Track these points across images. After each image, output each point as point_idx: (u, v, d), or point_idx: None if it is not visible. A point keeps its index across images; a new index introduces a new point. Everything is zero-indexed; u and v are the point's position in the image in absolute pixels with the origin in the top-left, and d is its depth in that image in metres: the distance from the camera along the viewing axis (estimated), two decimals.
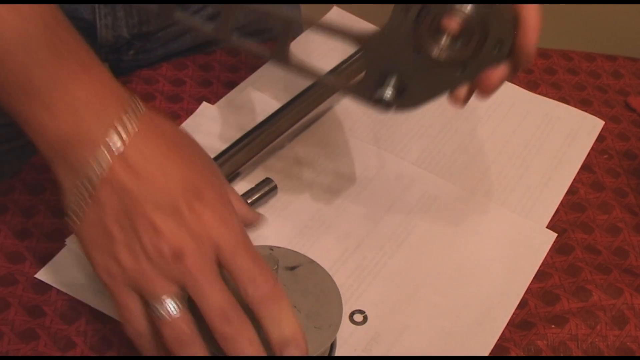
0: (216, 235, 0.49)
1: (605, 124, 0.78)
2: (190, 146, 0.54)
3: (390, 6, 0.52)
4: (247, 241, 0.50)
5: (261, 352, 0.48)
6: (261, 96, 0.75)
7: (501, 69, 0.54)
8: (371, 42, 0.53)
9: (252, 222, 0.60)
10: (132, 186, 0.48)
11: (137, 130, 0.49)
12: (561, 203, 0.70)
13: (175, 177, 0.50)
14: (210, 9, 0.82)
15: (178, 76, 0.78)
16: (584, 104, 0.80)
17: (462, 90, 0.55)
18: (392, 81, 0.54)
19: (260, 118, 0.71)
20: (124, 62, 0.82)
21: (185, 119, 0.73)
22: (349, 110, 0.75)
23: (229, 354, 0.48)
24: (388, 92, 0.54)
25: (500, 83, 0.55)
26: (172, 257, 0.48)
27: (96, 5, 0.75)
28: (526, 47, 0.53)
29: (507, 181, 0.71)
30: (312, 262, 0.57)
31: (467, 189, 0.70)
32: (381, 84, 0.54)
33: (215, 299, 0.48)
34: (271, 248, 0.57)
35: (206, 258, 0.48)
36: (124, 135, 0.49)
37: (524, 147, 0.75)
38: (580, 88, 0.82)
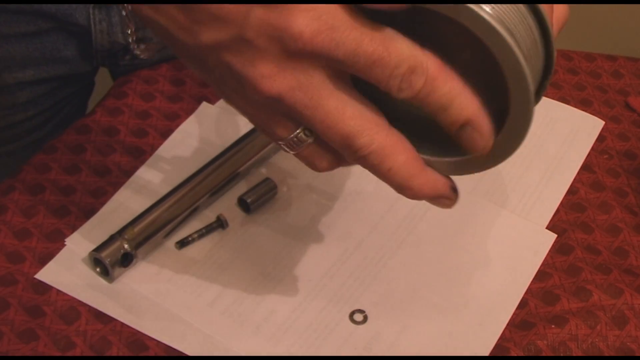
0: None
1: (605, 124, 0.78)
2: None
3: None
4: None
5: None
6: None
7: None
8: None
9: None
10: None
11: None
12: (561, 203, 0.70)
13: None
14: None
15: (178, 76, 0.78)
16: (584, 104, 0.80)
17: None
18: None
19: None
20: (121, 66, 0.82)
21: (185, 119, 0.73)
22: None
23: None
24: None
25: None
26: None
27: (91, 11, 0.75)
28: None
29: (507, 181, 0.71)
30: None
31: (467, 189, 0.70)
32: None
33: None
34: None
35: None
36: None
37: (524, 147, 0.74)
38: (580, 88, 0.82)
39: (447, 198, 0.49)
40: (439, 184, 0.48)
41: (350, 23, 0.42)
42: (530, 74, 0.43)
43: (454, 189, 0.50)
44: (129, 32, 0.77)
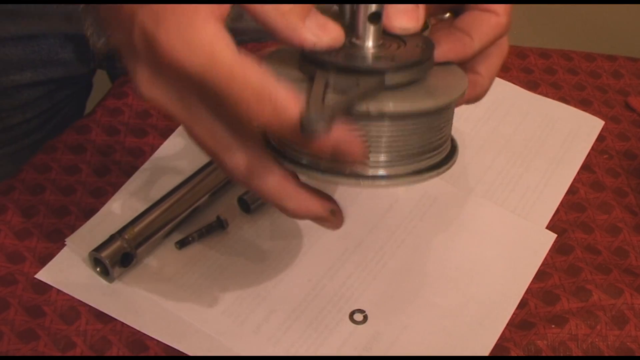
0: None
1: (605, 124, 0.78)
2: None
3: None
4: None
5: None
6: None
7: None
8: None
9: None
10: None
11: None
12: (561, 203, 0.70)
13: None
14: None
15: None
16: (584, 104, 0.80)
17: None
18: None
19: None
20: (118, 68, 0.82)
21: None
22: None
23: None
24: None
25: None
26: None
27: None
28: None
29: (507, 181, 0.71)
30: None
31: (467, 190, 0.70)
32: None
33: None
34: None
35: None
36: None
37: (524, 147, 0.75)
38: (580, 88, 0.82)
39: (326, 220, 0.50)
40: (314, 206, 0.49)
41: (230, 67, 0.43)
42: None
43: (334, 212, 0.50)
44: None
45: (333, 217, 0.50)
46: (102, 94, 0.77)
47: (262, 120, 0.44)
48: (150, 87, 0.46)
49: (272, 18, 0.44)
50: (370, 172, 0.46)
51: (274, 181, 0.48)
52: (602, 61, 0.85)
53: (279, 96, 0.43)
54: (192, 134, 0.47)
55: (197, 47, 0.43)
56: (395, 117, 0.45)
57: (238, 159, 0.47)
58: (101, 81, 0.91)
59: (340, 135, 0.43)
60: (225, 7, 0.44)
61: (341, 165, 0.46)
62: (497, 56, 0.52)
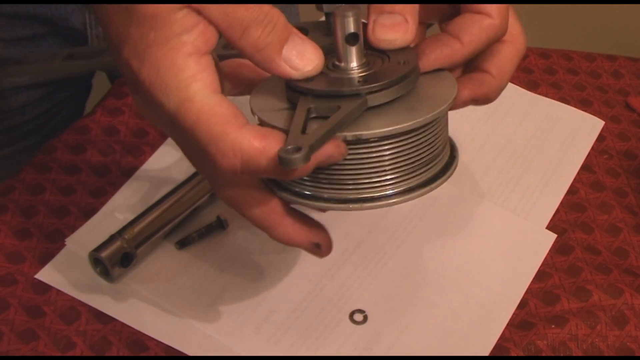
0: None
1: (605, 124, 0.78)
2: None
3: None
4: None
5: None
6: None
7: None
8: None
9: None
10: None
11: None
12: (561, 203, 0.70)
13: None
14: None
15: None
16: (584, 104, 0.80)
17: None
18: None
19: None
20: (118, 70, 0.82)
21: None
22: None
23: None
24: None
25: None
26: None
27: (87, 15, 0.75)
28: None
29: (507, 181, 0.71)
30: None
31: (467, 190, 0.70)
32: None
33: None
34: None
35: None
36: None
37: (524, 147, 0.74)
38: (580, 88, 0.82)
39: (309, 251, 0.51)
40: (297, 239, 0.50)
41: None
42: None
43: (318, 245, 0.51)
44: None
45: (317, 249, 0.51)
46: (102, 94, 0.77)
47: (233, 169, 0.44)
48: (138, 106, 0.47)
49: (250, 55, 0.44)
50: (377, 193, 0.47)
51: (259, 212, 0.49)
52: (602, 61, 0.85)
53: (243, 147, 0.43)
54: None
55: (173, 89, 0.43)
56: (380, 139, 0.45)
57: (222, 189, 0.48)
58: (100, 81, 0.91)
59: (321, 160, 0.43)
60: (212, 40, 0.44)
61: (344, 192, 0.47)
62: (508, 55, 0.51)
